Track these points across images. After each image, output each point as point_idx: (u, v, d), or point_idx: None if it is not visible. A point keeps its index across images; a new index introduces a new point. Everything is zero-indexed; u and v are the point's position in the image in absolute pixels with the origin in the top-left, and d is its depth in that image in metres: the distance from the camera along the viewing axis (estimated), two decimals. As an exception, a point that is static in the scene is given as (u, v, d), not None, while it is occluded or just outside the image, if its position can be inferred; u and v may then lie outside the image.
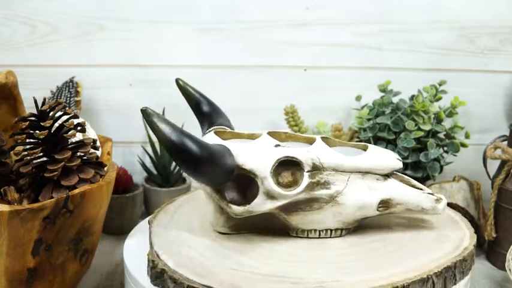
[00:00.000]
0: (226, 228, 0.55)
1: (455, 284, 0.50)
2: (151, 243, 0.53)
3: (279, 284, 0.45)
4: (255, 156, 0.50)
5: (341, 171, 0.53)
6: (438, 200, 0.55)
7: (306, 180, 0.51)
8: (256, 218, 0.53)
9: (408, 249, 0.53)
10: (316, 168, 0.52)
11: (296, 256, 0.51)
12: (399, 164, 0.54)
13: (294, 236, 0.55)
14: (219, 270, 0.47)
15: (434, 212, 0.55)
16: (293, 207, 0.52)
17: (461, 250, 0.53)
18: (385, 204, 0.54)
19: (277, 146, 0.52)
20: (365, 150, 0.57)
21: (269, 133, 0.56)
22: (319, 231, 0.54)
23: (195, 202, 0.64)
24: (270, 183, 0.50)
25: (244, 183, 0.51)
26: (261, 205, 0.50)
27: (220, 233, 0.55)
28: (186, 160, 0.46)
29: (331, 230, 0.54)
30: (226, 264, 0.48)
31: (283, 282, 0.46)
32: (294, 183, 0.51)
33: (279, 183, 0.51)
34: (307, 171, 0.51)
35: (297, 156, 0.51)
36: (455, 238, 0.56)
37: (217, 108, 0.60)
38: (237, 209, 0.50)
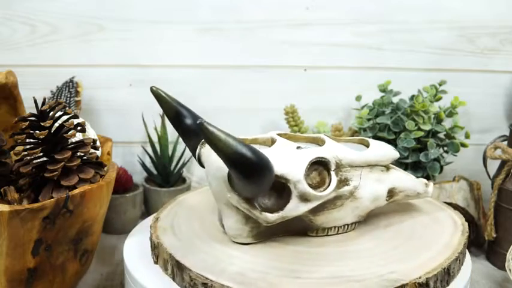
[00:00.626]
0: (250, 238, 0.52)
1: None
2: (179, 266, 0.49)
3: (346, 284, 0.45)
4: (286, 161, 0.49)
5: (355, 167, 0.54)
6: (427, 184, 0.59)
7: (334, 178, 0.51)
8: (277, 224, 0.52)
9: (420, 234, 0.56)
10: (338, 166, 0.52)
11: (332, 255, 0.51)
12: (397, 154, 0.58)
13: (312, 236, 0.55)
14: (281, 281, 0.46)
15: (425, 195, 0.59)
16: (320, 207, 0.52)
17: (461, 226, 0.58)
18: (390, 193, 0.57)
19: (298, 148, 0.52)
20: (365, 144, 0.58)
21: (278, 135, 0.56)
22: (338, 227, 0.55)
23: (184, 206, 0.64)
24: (304, 186, 0.49)
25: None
26: (294, 209, 0.50)
27: (239, 243, 0.53)
28: (248, 170, 0.44)
29: (348, 225, 0.56)
30: (282, 275, 0.47)
31: (347, 281, 0.45)
32: (321, 184, 0.51)
33: (309, 185, 0.50)
34: (333, 170, 0.52)
35: (325, 156, 0.51)
36: (447, 219, 0.60)
37: (196, 116, 0.56)
38: (271, 217, 0.49)
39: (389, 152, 0.57)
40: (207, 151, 0.52)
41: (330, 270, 0.48)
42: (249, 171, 0.44)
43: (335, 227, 0.55)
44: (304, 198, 0.50)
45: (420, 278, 0.46)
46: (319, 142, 0.56)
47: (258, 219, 0.50)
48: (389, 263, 0.49)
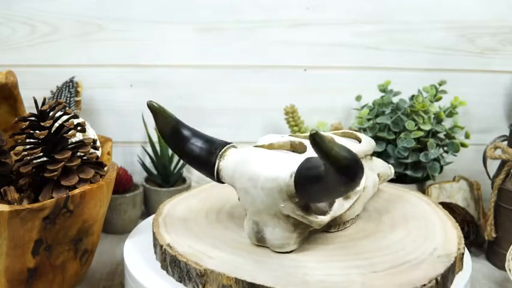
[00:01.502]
0: (296, 245, 0.51)
1: None
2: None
3: (416, 268, 0.47)
4: None
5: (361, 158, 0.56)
6: (391, 168, 0.64)
7: None
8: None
9: (418, 218, 0.60)
10: None
11: (372, 246, 0.52)
12: (374, 143, 0.62)
13: (333, 231, 0.56)
14: (367, 277, 0.46)
15: (391, 176, 0.64)
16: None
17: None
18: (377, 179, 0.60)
19: None
20: (352, 137, 0.61)
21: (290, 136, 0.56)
22: (351, 219, 0.57)
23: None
24: None
25: None
26: (339, 208, 0.52)
27: (281, 252, 0.51)
28: (355, 175, 0.41)
29: (357, 216, 0.58)
30: (360, 272, 0.47)
31: (413, 266, 0.47)
32: None
33: None
34: None
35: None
36: (421, 204, 0.64)
37: (196, 131, 0.55)
38: (324, 218, 0.49)
39: (372, 141, 0.61)
40: (235, 165, 0.50)
41: (389, 260, 0.49)
42: (355, 175, 0.41)
43: (351, 219, 0.56)
44: (345, 195, 0.52)
45: (459, 249, 0.51)
46: None
47: (311, 223, 0.49)
48: (422, 244, 0.52)
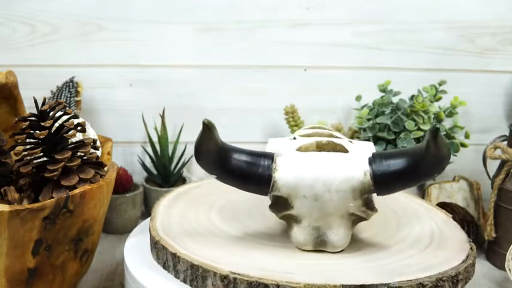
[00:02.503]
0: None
1: None
2: None
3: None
4: None
5: None
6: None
7: None
8: None
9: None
10: None
11: (385, 243, 0.54)
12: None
13: None
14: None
15: None
16: None
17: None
18: None
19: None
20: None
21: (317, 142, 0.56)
22: None
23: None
24: None
25: None
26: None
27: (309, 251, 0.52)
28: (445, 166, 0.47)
29: None
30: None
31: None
32: None
33: None
34: None
35: None
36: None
37: (234, 146, 0.53)
38: (375, 211, 0.51)
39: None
40: (297, 173, 0.49)
41: (413, 254, 0.51)
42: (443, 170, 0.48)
43: None
44: None
45: (470, 241, 0.55)
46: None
47: (368, 217, 0.50)
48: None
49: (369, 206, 0.50)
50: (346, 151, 0.53)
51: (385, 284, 0.45)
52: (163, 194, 0.66)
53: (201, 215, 0.60)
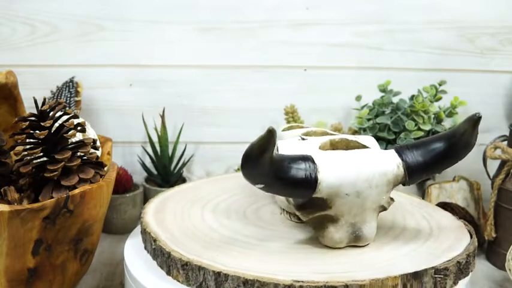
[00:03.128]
0: None
1: None
2: None
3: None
4: None
5: None
6: None
7: None
8: None
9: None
10: None
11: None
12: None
13: None
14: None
15: None
16: None
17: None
18: None
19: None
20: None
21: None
22: None
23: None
24: None
25: None
26: None
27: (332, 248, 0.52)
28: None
29: None
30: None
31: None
32: None
33: None
34: None
35: None
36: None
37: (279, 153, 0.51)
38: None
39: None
40: (337, 173, 0.48)
41: (421, 244, 0.52)
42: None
43: None
44: None
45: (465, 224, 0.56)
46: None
47: (388, 207, 0.52)
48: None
49: (391, 197, 0.52)
50: (361, 147, 0.54)
51: (433, 267, 0.46)
52: (149, 201, 0.64)
53: (208, 219, 0.58)
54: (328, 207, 0.49)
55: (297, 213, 0.51)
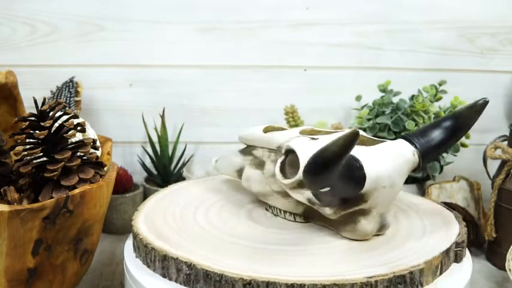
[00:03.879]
0: None
1: None
2: None
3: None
4: None
5: None
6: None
7: None
8: None
9: None
10: None
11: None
12: None
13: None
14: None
15: None
16: None
17: None
18: None
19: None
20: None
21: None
22: None
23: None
24: None
25: None
26: None
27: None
28: None
29: None
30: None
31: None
32: None
33: None
34: None
35: None
36: None
37: None
38: None
39: None
40: (374, 167, 0.48)
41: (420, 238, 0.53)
42: None
43: None
44: None
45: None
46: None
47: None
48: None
49: None
50: (372, 141, 0.54)
51: (454, 242, 0.51)
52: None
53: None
54: (364, 201, 0.50)
55: (328, 212, 0.51)
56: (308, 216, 0.57)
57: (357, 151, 0.49)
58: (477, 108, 0.51)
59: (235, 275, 0.44)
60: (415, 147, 0.51)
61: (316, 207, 0.52)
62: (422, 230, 0.55)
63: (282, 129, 0.61)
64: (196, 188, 0.68)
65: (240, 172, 0.62)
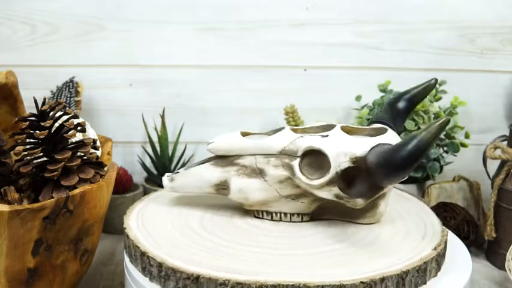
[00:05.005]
0: None
1: None
2: None
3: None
4: None
5: None
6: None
7: None
8: None
9: None
10: None
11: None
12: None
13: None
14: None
15: None
16: None
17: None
18: None
19: None
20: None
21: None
22: None
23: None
24: None
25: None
26: None
27: None
28: None
29: None
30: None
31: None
32: None
33: None
34: None
35: None
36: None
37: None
38: None
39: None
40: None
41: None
42: None
43: None
44: None
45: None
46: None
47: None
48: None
49: None
50: (368, 129, 0.56)
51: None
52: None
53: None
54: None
55: (360, 202, 0.51)
56: (317, 213, 0.57)
57: (370, 141, 0.49)
58: (428, 89, 0.56)
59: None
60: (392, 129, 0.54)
61: (344, 200, 0.52)
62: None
63: (258, 133, 0.60)
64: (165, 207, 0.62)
65: (219, 186, 0.57)
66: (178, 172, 0.59)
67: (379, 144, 0.48)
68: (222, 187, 0.57)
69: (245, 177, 0.56)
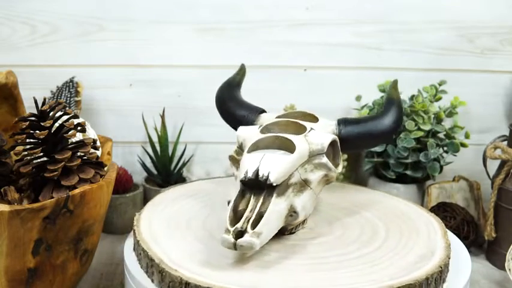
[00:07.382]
0: None
1: None
2: None
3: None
4: None
5: None
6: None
7: None
8: None
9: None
10: None
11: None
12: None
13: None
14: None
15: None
16: None
17: None
18: None
19: None
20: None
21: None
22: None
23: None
24: None
25: None
26: None
27: None
28: None
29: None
30: None
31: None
32: None
33: None
34: None
35: None
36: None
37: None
38: None
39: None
40: None
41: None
42: None
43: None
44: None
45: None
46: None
47: None
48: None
49: None
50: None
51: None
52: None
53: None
54: None
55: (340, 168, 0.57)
56: None
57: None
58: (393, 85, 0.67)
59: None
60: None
61: (332, 174, 0.56)
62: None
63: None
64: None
65: (288, 215, 0.52)
66: (253, 223, 0.48)
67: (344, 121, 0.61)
68: (290, 214, 0.53)
69: (300, 194, 0.53)
